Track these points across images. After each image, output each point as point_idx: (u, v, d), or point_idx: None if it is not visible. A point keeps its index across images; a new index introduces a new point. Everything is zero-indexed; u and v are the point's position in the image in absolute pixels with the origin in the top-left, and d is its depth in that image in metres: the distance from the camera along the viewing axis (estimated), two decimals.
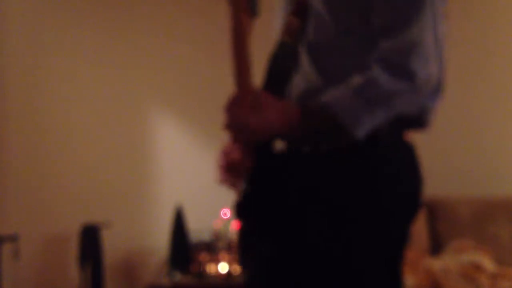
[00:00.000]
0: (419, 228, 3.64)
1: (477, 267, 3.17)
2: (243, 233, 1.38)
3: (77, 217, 3.62)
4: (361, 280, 1.25)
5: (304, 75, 1.31)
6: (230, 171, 1.36)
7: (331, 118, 1.18)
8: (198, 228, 3.59)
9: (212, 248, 3.51)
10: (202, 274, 3.43)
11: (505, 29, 3.97)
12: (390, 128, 1.26)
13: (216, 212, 3.53)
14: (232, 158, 1.34)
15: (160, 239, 3.71)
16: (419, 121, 1.32)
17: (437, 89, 1.30)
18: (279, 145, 1.31)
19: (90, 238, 3.48)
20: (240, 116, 1.21)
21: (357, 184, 1.25)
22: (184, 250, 3.49)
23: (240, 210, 1.34)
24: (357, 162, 1.25)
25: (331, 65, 1.27)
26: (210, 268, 3.45)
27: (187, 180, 3.88)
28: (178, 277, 3.44)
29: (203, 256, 3.48)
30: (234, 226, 3.50)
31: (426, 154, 4.33)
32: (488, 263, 3.23)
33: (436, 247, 3.59)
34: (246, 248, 1.39)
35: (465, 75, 3.96)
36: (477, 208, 3.64)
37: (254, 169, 1.31)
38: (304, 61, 1.31)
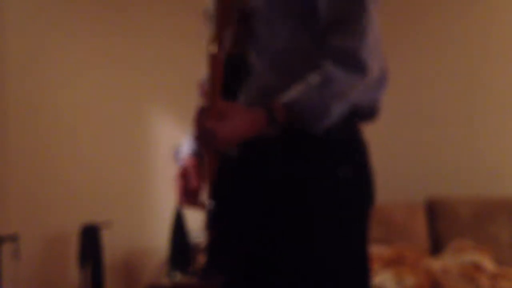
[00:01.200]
0: (419, 228, 3.64)
1: (477, 267, 3.17)
2: (215, 243, 1.40)
3: (77, 217, 3.63)
4: (361, 282, 1.26)
5: (259, 79, 1.33)
6: (188, 196, 1.38)
7: (297, 117, 1.21)
8: (198, 228, 3.59)
9: None
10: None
11: (505, 29, 3.97)
12: (346, 120, 1.29)
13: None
14: (189, 182, 1.38)
15: (160, 239, 3.71)
16: (371, 112, 1.35)
17: (382, 80, 1.33)
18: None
19: (90, 238, 3.48)
20: (207, 126, 1.24)
21: (313, 175, 1.27)
22: (184, 250, 3.49)
23: (213, 225, 1.36)
24: (313, 156, 1.27)
25: (287, 65, 1.29)
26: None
27: None
28: (178, 277, 3.44)
29: (203, 256, 3.48)
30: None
31: (426, 154, 4.32)
32: (488, 263, 3.23)
33: (436, 247, 3.59)
34: (217, 256, 1.41)
35: (465, 75, 3.96)
36: (477, 208, 3.64)
37: (216, 181, 1.33)
38: (258, 65, 1.33)
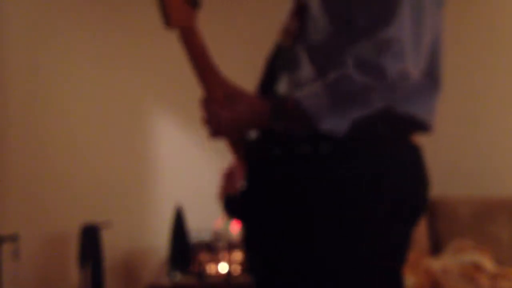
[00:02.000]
0: (419, 228, 3.64)
1: (477, 267, 3.17)
2: (246, 234, 1.39)
3: (77, 217, 3.62)
4: (360, 282, 1.25)
5: (298, 72, 1.31)
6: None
7: (299, 111, 1.19)
8: (198, 228, 3.59)
9: (212, 248, 3.51)
10: (202, 274, 3.43)
11: (505, 28, 3.97)
12: (392, 130, 1.26)
13: (216, 212, 3.52)
14: (233, 183, 1.38)
15: (160, 239, 3.71)
16: (419, 123, 1.31)
17: (432, 88, 1.31)
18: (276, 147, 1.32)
19: (90, 238, 3.48)
20: (212, 111, 1.22)
21: (355, 185, 1.24)
22: (184, 250, 3.49)
23: (233, 207, 1.35)
24: (355, 164, 1.25)
25: (328, 65, 1.26)
26: (210, 268, 3.45)
27: (187, 180, 3.88)
28: (178, 277, 3.44)
29: (203, 256, 3.48)
30: (234, 226, 3.50)
31: (426, 154, 4.32)
32: (488, 263, 3.23)
33: (436, 247, 3.59)
34: (249, 249, 1.40)
35: (465, 74, 3.96)
36: (477, 208, 3.64)
37: (251, 170, 1.32)
38: (303, 61, 1.31)
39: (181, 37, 1.24)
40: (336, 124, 1.18)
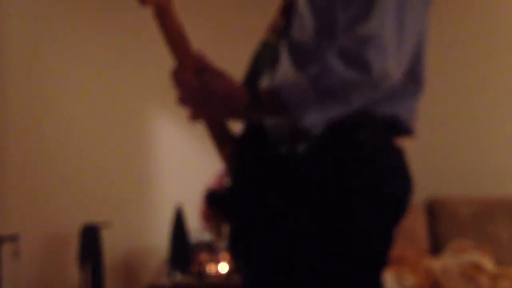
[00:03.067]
0: (419, 228, 3.63)
1: (477, 267, 3.17)
2: (232, 233, 1.39)
3: (77, 217, 3.62)
4: (343, 280, 1.25)
5: (280, 68, 1.31)
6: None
7: (280, 102, 1.16)
8: (198, 228, 3.59)
9: (212, 248, 3.51)
10: (202, 274, 3.43)
11: (505, 29, 3.97)
12: (375, 132, 1.26)
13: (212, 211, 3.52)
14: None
15: (160, 239, 3.71)
16: (400, 126, 1.30)
17: (414, 90, 1.30)
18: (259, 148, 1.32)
19: (90, 238, 3.48)
20: (183, 78, 1.22)
21: (338, 185, 1.24)
22: (184, 250, 3.49)
23: (218, 203, 1.35)
24: (339, 164, 1.24)
25: (304, 60, 1.26)
26: (210, 268, 3.45)
27: (187, 180, 3.87)
28: (178, 277, 3.44)
29: (203, 256, 3.48)
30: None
31: (426, 154, 4.32)
32: (488, 263, 3.23)
33: (436, 247, 3.59)
34: (236, 249, 1.41)
35: (465, 74, 3.96)
36: (477, 208, 3.64)
37: (237, 170, 1.33)
38: (284, 59, 1.31)
39: (156, 15, 1.26)
40: (316, 120, 1.16)
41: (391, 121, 1.28)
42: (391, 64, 1.17)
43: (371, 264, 1.29)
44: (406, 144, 1.47)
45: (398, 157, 1.32)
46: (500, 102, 3.94)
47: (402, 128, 1.31)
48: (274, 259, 1.29)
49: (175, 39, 1.26)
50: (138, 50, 3.91)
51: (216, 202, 1.35)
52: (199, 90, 1.21)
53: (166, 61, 4.37)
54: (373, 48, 1.15)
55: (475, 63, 3.95)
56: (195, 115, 1.26)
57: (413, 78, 1.32)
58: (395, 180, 1.30)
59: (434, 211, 3.69)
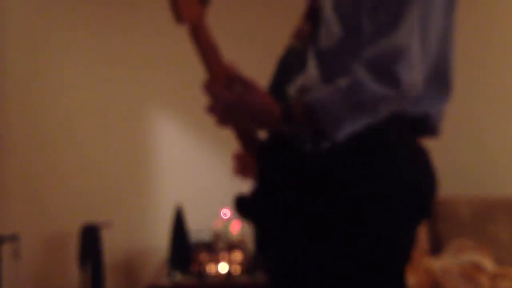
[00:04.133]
0: (419, 228, 3.64)
1: (477, 267, 3.17)
2: (260, 235, 1.39)
3: (77, 217, 3.62)
4: (367, 278, 1.26)
5: (307, 75, 1.31)
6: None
7: (315, 118, 1.18)
8: (198, 228, 3.59)
9: (212, 248, 3.51)
10: (202, 274, 3.43)
11: (505, 28, 3.97)
12: (401, 132, 1.26)
13: (216, 212, 3.53)
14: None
15: (160, 239, 3.71)
16: (427, 127, 1.32)
17: (440, 91, 1.31)
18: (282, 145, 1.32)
19: (90, 238, 3.48)
20: (216, 91, 1.22)
21: (363, 184, 1.24)
22: (184, 250, 3.49)
23: (245, 207, 1.35)
24: (365, 163, 1.25)
25: (336, 70, 1.25)
26: (210, 268, 3.45)
27: (187, 180, 3.88)
28: (178, 277, 3.44)
29: (203, 256, 3.48)
30: (234, 226, 3.50)
31: None
32: (488, 263, 3.23)
33: (436, 247, 3.59)
34: (262, 249, 1.41)
35: (465, 74, 3.96)
36: (477, 208, 3.64)
37: (262, 169, 1.33)
38: (311, 64, 1.31)
39: (191, 33, 1.27)
40: (346, 131, 1.18)
41: (418, 122, 1.29)
42: (417, 74, 1.18)
43: (396, 264, 1.29)
44: None
45: (423, 157, 1.33)
46: (500, 102, 3.94)
47: (428, 128, 1.33)
48: (297, 260, 1.28)
49: (208, 53, 1.27)
50: (138, 50, 3.91)
51: (244, 207, 1.35)
52: (232, 103, 1.21)
53: (166, 62, 4.38)
54: (402, 60, 1.16)
55: (474, 63, 3.95)
56: (223, 122, 1.25)
57: (441, 80, 1.33)
58: (420, 180, 1.30)
59: (434, 211, 3.69)
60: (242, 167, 1.45)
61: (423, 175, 1.32)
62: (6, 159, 3.81)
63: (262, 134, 1.38)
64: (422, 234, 3.63)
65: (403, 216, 1.28)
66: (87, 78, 3.91)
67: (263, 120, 1.23)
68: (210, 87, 1.23)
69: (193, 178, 3.87)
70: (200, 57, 1.27)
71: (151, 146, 3.94)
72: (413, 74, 1.17)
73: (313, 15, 1.36)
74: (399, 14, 1.18)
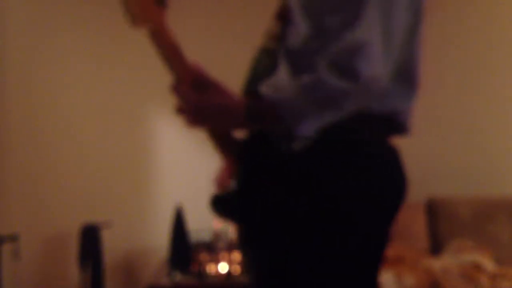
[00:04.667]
0: (419, 228, 3.64)
1: (477, 267, 3.17)
2: (241, 233, 1.40)
3: (77, 217, 3.62)
4: (339, 280, 1.27)
5: (279, 77, 1.33)
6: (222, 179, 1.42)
7: (274, 114, 1.19)
8: (198, 228, 3.59)
9: (212, 248, 3.51)
10: (202, 274, 3.43)
11: (504, 28, 3.97)
12: (369, 131, 1.28)
13: (213, 215, 3.53)
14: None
15: (160, 239, 3.71)
16: (395, 125, 1.33)
17: (406, 88, 1.32)
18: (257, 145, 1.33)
19: (90, 238, 3.48)
20: (184, 92, 1.24)
21: (339, 183, 1.26)
22: (184, 250, 3.49)
23: (220, 205, 1.37)
24: (340, 161, 1.26)
25: (304, 68, 1.27)
26: (210, 268, 3.45)
27: (187, 180, 3.88)
28: (178, 277, 3.44)
29: (203, 256, 3.48)
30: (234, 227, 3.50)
31: (426, 154, 4.31)
32: (488, 263, 3.23)
33: (436, 247, 3.59)
34: (244, 250, 1.42)
35: (465, 75, 3.96)
36: (477, 208, 3.64)
37: (240, 169, 1.34)
38: (281, 65, 1.33)
39: (150, 36, 1.29)
40: (309, 128, 1.19)
41: (386, 120, 1.31)
42: (379, 69, 1.20)
43: (366, 264, 1.31)
44: (407, 145, 1.47)
45: (393, 156, 1.34)
46: (500, 102, 3.94)
47: (397, 126, 1.34)
48: (277, 259, 1.30)
49: (171, 55, 1.29)
50: (138, 50, 3.91)
51: (222, 205, 1.36)
52: (197, 104, 1.24)
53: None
54: (361, 55, 1.17)
55: (474, 63, 3.95)
56: (193, 123, 1.28)
57: (408, 77, 1.35)
58: (389, 179, 1.32)
59: (434, 211, 3.69)
60: (226, 181, 1.45)
61: (395, 174, 1.33)
62: (6, 159, 3.81)
63: (241, 134, 1.39)
64: (422, 234, 3.63)
65: (379, 214, 1.30)
66: (87, 78, 3.91)
67: (229, 119, 1.25)
68: (177, 88, 1.26)
69: (193, 178, 3.87)
70: (163, 60, 1.29)
71: (151, 146, 3.94)
72: (373, 68, 1.18)
73: (283, 15, 1.37)
74: (359, 10, 1.20)
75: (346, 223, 1.26)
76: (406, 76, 1.34)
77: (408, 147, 1.41)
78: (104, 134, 3.90)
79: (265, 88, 1.29)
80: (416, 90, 1.37)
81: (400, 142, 1.37)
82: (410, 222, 3.66)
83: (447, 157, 3.92)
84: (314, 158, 1.26)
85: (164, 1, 1.29)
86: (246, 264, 1.54)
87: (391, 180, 1.32)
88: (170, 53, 1.29)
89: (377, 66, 1.19)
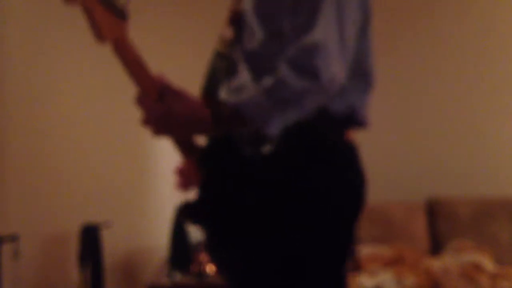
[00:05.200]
0: (419, 228, 3.64)
1: (477, 267, 3.17)
2: (209, 239, 1.43)
3: (77, 217, 3.63)
4: (309, 276, 1.30)
5: (238, 78, 1.35)
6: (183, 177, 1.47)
7: (239, 118, 1.21)
8: (198, 228, 3.59)
9: None
10: (202, 274, 3.43)
11: (504, 29, 3.97)
12: (328, 127, 1.32)
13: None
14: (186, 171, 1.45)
15: (160, 239, 3.71)
16: (354, 119, 1.37)
17: (362, 84, 1.37)
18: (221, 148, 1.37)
19: (90, 238, 3.48)
20: (148, 105, 1.28)
21: (295, 185, 1.30)
22: (184, 250, 3.49)
23: (189, 212, 1.41)
24: (295, 163, 1.30)
25: (264, 71, 1.29)
26: (210, 268, 3.45)
27: None
28: (178, 277, 3.44)
29: (203, 256, 3.48)
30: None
31: (426, 154, 4.31)
32: (488, 263, 3.23)
33: (436, 247, 3.59)
34: (214, 252, 1.47)
35: (465, 75, 3.96)
36: (477, 208, 3.64)
37: (204, 175, 1.39)
38: (241, 68, 1.35)
39: (114, 49, 1.32)
40: (276, 128, 1.22)
41: (344, 116, 1.35)
42: (336, 68, 1.23)
43: (331, 262, 1.34)
44: (407, 145, 1.48)
45: (350, 152, 1.38)
46: (499, 102, 3.94)
47: (355, 121, 1.38)
48: (248, 259, 1.34)
49: (134, 66, 1.32)
50: (138, 49, 3.91)
51: (190, 212, 1.39)
52: (162, 114, 1.26)
53: (167, 62, 4.38)
54: (319, 56, 1.20)
55: (473, 64, 3.95)
56: (158, 134, 1.31)
57: (361, 73, 1.38)
58: (347, 176, 1.35)
59: (434, 211, 3.69)
60: (185, 181, 1.49)
61: (353, 170, 1.37)
62: (6, 159, 3.81)
63: (202, 140, 1.41)
64: (422, 234, 3.63)
65: (335, 213, 1.33)
66: (88, 78, 3.91)
67: (195, 126, 1.27)
68: (141, 100, 1.29)
69: None
70: (127, 72, 1.32)
71: (151, 146, 3.94)
72: (332, 66, 1.22)
73: (236, 20, 1.39)
74: (315, 11, 1.23)
75: (309, 221, 1.30)
76: (361, 72, 1.38)
77: (408, 148, 1.41)
78: (104, 134, 3.91)
79: (227, 93, 1.31)
80: (371, 84, 1.41)
81: (401, 143, 1.38)
82: (410, 222, 3.66)
83: (447, 157, 3.92)
84: (278, 160, 1.30)
85: (125, 14, 1.32)
86: (217, 266, 1.58)
87: (347, 177, 1.35)
88: (133, 65, 1.32)
89: (335, 65, 1.22)
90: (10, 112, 3.84)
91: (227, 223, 1.35)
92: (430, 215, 3.69)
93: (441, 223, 3.66)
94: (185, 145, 1.42)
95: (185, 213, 1.40)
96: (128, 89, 4.50)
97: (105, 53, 4.28)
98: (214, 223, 1.40)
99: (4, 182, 3.79)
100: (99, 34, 1.27)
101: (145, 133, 4.27)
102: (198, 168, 1.41)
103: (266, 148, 1.28)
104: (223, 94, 1.36)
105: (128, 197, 3.88)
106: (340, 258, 1.35)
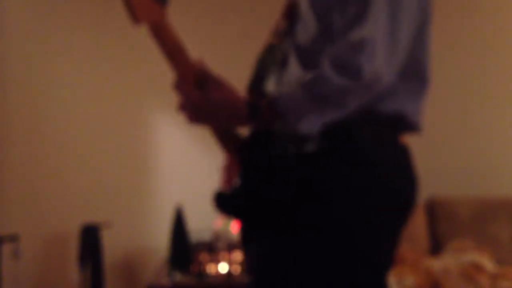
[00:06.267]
0: (419, 228, 3.64)
1: (477, 267, 3.17)
2: (243, 232, 1.40)
3: (77, 217, 3.62)
4: (348, 276, 1.26)
5: (289, 72, 1.32)
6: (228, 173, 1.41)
7: (274, 112, 1.19)
8: (198, 228, 3.59)
9: (212, 248, 3.51)
10: (202, 274, 3.43)
11: (505, 28, 3.97)
12: (379, 129, 1.27)
13: (216, 212, 3.53)
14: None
15: (160, 239, 3.71)
16: (404, 123, 1.32)
17: (416, 86, 1.32)
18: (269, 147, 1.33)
19: (90, 238, 3.48)
20: (186, 91, 1.24)
21: (344, 183, 1.25)
22: (184, 250, 3.49)
23: (223, 203, 1.36)
24: (345, 162, 1.25)
25: (313, 66, 1.26)
26: (210, 268, 3.45)
27: (187, 180, 3.88)
28: (178, 277, 3.44)
29: (203, 256, 3.48)
30: (234, 226, 3.50)
31: (426, 154, 4.31)
32: (488, 263, 3.23)
33: (436, 247, 3.59)
34: (246, 247, 1.41)
35: (464, 75, 3.96)
36: (477, 208, 3.64)
37: (243, 167, 1.34)
38: (292, 62, 1.32)
39: (151, 33, 1.28)
40: (311, 125, 1.18)
41: (395, 118, 1.30)
42: (381, 66, 1.18)
43: (377, 264, 1.30)
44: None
45: (402, 155, 1.33)
46: (500, 102, 3.94)
47: (407, 125, 1.33)
48: (280, 259, 1.29)
49: (173, 52, 1.29)
50: (138, 49, 3.91)
51: (225, 203, 1.36)
52: (200, 102, 1.24)
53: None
54: (364, 52, 1.16)
55: (475, 63, 3.95)
56: (194, 121, 1.28)
57: (416, 74, 1.33)
58: (399, 179, 1.30)
59: (434, 211, 3.69)
60: (230, 177, 1.45)
61: (401, 175, 1.32)
62: (6, 159, 3.81)
63: (245, 131, 1.39)
64: (422, 234, 3.63)
65: (383, 217, 1.28)
66: (87, 78, 3.91)
67: (231, 116, 1.25)
68: (179, 86, 1.25)
69: (193, 178, 3.87)
70: (165, 57, 1.29)
71: (151, 146, 3.94)
72: (376, 64, 1.17)
73: (291, 13, 1.37)
74: (365, 8, 1.19)
75: (350, 224, 1.25)
76: (416, 74, 1.33)
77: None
78: (104, 134, 3.90)
79: (276, 86, 1.28)
80: (426, 88, 1.36)
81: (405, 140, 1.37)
82: (410, 222, 3.65)
83: (447, 157, 3.92)
84: (320, 160, 1.25)
85: (164, 1, 1.29)
86: (247, 262, 1.53)
87: (398, 180, 1.30)
88: (172, 50, 1.28)
89: (381, 64, 1.18)
90: (10, 112, 3.84)
91: (259, 219, 1.31)
92: (430, 215, 3.68)
93: (441, 223, 3.65)
94: (222, 136, 1.39)
95: (218, 203, 1.37)
96: (129, 89, 4.52)
97: (105, 53, 4.30)
98: (245, 216, 1.36)
99: (4, 182, 3.79)
100: (134, 17, 1.24)
101: (145, 133, 4.27)
102: (237, 159, 1.38)
103: (308, 147, 1.24)
104: (271, 86, 1.34)
105: (128, 197, 3.88)
106: (381, 264, 1.31)
